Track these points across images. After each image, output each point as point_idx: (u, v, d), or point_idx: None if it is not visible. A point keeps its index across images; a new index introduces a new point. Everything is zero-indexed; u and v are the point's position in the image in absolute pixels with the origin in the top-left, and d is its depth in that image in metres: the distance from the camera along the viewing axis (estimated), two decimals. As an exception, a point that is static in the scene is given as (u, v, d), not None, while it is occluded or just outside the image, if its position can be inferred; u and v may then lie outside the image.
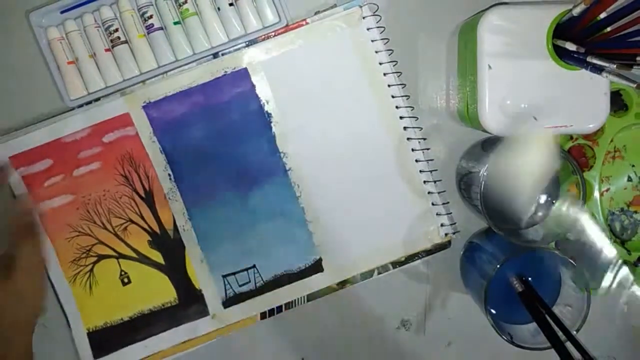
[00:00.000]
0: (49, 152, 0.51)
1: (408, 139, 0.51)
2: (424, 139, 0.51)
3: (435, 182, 0.51)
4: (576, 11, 0.40)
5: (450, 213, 0.52)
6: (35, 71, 0.51)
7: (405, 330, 0.55)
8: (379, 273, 0.52)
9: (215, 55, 0.50)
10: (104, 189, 0.52)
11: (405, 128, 0.51)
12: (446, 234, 0.52)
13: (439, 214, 0.51)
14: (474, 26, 0.45)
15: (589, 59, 0.38)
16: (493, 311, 0.49)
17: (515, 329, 0.49)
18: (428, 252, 0.52)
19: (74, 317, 0.52)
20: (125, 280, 0.52)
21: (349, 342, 0.55)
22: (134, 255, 0.52)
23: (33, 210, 0.51)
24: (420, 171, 0.51)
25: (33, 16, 0.49)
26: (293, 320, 0.54)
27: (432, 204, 0.51)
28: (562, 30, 0.43)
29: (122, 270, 0.52)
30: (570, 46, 0.40)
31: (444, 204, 0.51)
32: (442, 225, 0.52)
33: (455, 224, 0.52)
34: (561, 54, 0.44)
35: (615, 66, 0.37)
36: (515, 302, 0.49)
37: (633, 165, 0.53)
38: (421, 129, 0.51)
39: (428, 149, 0.51)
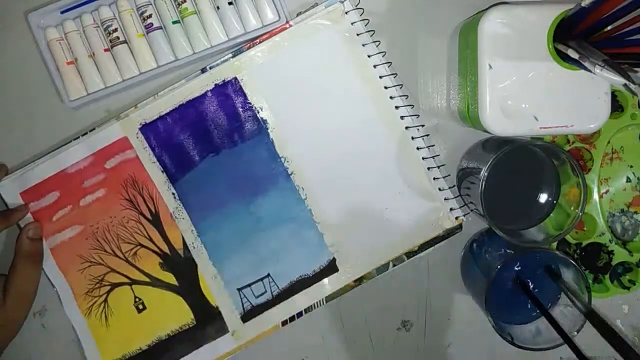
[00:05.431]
0: (55, 185, 0.51)
1: (407, 127, 0.50)
2: (422, 125, 0.51)
3: (439, 167, 0.51)
4: (586, 2, 0.38)
5: (459, 195, 0.51)
6: (34, 72, 0.51)
7: (405, 331, 0.54)
8: (394, 265, 0.52)
9: (203, 71, 0.50)
10: (111, 215, 0.51)
11: (402, 117, 0.50)
12: (457, 218, 0.51)
13: (447, 199, 0.51)
14: (474, 26, 0.45)
15: (597, 70, 0.37)
16: (493, 312, 0.49)
17: (515, 329, 0.49)
18: (441, 239, 0.51)
19: (91, 352, 0.52)
20: (140, 306, 0.52)
21: (349, 343, 0.54)
22: (146, 279, 0.52)
23: (41, 240, 0.51)
24: (423, 158, 0.51)
25: (32, 17, 0.49)
26: (292, 323, 0.53)
27: (439, 189, 0.51)
28: (563, 28, 0.43)
29: (136, 297, 0.52)
30: (573, 54, 0.40)
31: (450, 187, 0.51)
32: (451, 209, 0.51)
33: (464, 205, 0.51)
34: (562, 54, 0.43)
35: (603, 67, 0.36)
36: (516, 302, 0.49)
37: (631, 166, 0.53)
38: (418, 116, 0.51)
39: (428, 135, 0.51)
